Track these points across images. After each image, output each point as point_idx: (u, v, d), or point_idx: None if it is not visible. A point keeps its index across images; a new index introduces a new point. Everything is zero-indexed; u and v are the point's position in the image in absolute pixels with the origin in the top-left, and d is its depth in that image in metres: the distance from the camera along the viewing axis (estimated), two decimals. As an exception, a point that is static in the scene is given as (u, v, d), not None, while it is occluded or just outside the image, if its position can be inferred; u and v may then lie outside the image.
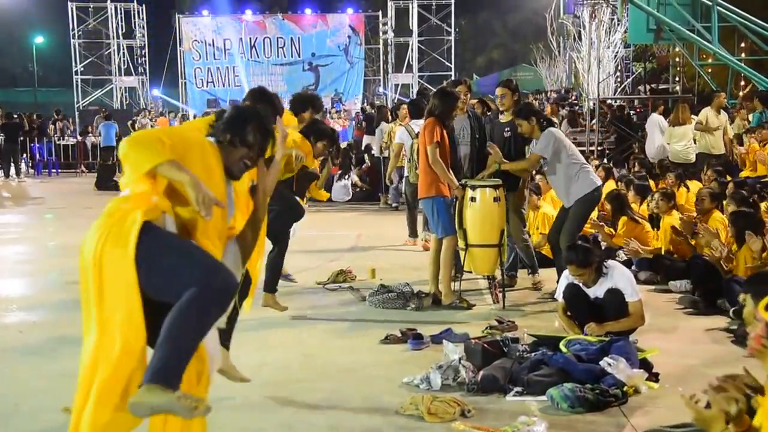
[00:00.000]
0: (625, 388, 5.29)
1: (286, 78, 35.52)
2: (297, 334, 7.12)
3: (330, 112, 30.92)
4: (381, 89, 37.17)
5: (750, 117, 14.87)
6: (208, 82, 35.81)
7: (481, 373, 5.54)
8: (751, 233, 7.53)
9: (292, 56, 35.73)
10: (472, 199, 7.92)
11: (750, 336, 3.29)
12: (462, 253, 8.13)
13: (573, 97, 25.80)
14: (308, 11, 35.89)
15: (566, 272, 6.63)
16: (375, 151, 17.71)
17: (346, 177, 17.89)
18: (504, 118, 8.85)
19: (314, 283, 9.24)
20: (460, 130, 8.76)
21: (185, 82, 36.02)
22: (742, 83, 19.58)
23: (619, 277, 6.41)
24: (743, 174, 12.39)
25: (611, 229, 10.13)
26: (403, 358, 6.36)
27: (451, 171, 8.12)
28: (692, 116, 14.68)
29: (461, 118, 8.79)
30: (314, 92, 8.14)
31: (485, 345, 5.88)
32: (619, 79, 26.31)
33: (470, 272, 8.39)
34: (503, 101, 8.82)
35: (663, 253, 9.36)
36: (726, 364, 6.01)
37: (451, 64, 34.94)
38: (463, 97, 8.74)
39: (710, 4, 17.69)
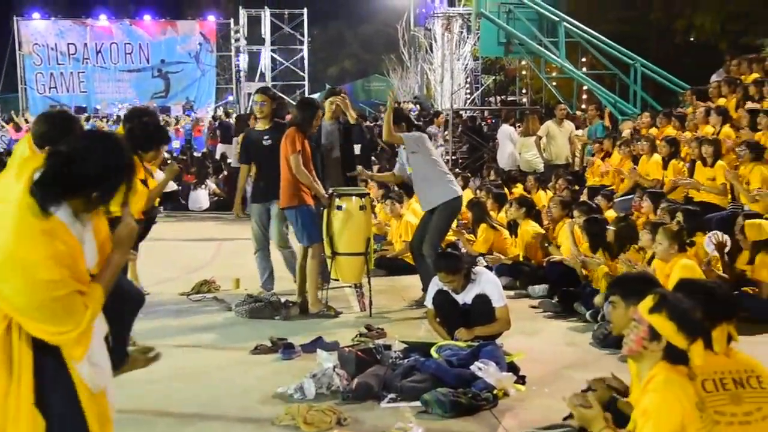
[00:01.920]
0: (495, 392, 5.43)
1: (134, 85, 34.54)
2: (164, 347, 6.91)
3: (181, 120, 30.31)
4: (231, 97, 36.71)
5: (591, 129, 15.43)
6: (50, 88, 34.38)
7: (356, 380, 5.57)
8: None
9: (140, 63, 34.77)
10: (339, 207, 7.96)
11: (629, 338, 3.42)
12: (329, 262, 8.15)
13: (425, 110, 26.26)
14: (148, 17, 35.02)
15: (435, 279, 6.75)
16: (231, 161, 17.49)
17: (203, 186, 17.61)
18: (261, 125, 8.77)
19: (177, 295, 9.03)
20: (329, 136, 8.78)
21: (25, 88, 34.46)
22: (584, 96, 20.42)
23: (486, 283, 6.57)
24: (589, 183, 12.91)
25: (472, 236, 10.38)
26: (274, 368, 6.31)
27: (317, 179, 8.14)
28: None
29: (331, 125, 8.81)
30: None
31: (359, 353, 5.91)
32: (468, 91, 26.96)
33: (337, 280, 8.41)
34: (263, 108, 8.70)
35: (521, 259, 9.66)
36: (586, 365, 6.28)
37: (304, 73, 34.91)
38: (331, 106, 8.76)
39: (557, 20, 18.42)
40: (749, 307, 7.38)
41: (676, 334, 3.28)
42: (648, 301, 3.38)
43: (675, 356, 3.29)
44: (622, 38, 19.59)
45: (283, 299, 8.20)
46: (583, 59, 20.60)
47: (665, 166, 11.13)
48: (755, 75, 12.75)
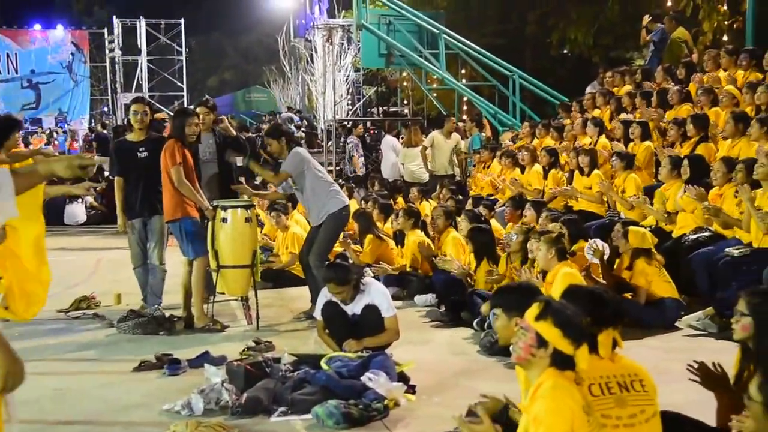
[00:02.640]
0: (386, 402, 5.40)
1: (2, 95, 33.25)
2: (44, 366, 6.65)
3: (55, 132, 29.33)
4: (107, 108, 35.76)
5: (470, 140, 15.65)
6: None
7: (245, 395, 5.46)
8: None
9: (8, 73, 33.51)
10: (224, 219, 7.82)
11: (517, 345, 3.46)
12: (214, 275, 8.00)
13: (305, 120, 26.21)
14: (16, 26, 33.84)
15: (324, 290, 6.70)
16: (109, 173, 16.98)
17: (79, 200, 17.05)
18: (135, 136, 8.45)
19: (55, 312, 8.68)
20: (205, 149, 8.63)
21: None
22: (465, 107, 20.76)
23: (375, 293, 6.57)
24: (473, 193, 13.11)
25: (358, 247, 10.38)
26: (160, 384, 6.14)
27: (200, 191, 7.99)
28: (423, 137, 15.37)
29: (207, 137, 8.66)
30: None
31: (247, 367, 5.79)
32: (350, 102, 27.06)
33: (223, 294, 8.27)
34: (143, 119, 8.39)
35: (408, 269, 9.70)
36: (475, 373, 6.34)
37: (182, 84, 34.33)
38: (203, 116, 8.61)
39: (437, 32, 18.68)
40: (629, 313, 7.64)
41: (561, 340, 3.32)
42: (534, 309, 3.44)
43: (562, 362, 3.33)
44: (500, 51, 20.00)
45: (167, 314, 8.00)
46: (463, 71, 20.93)
47: (545, 176, 11.42)
48: (628, 87, 13.21)
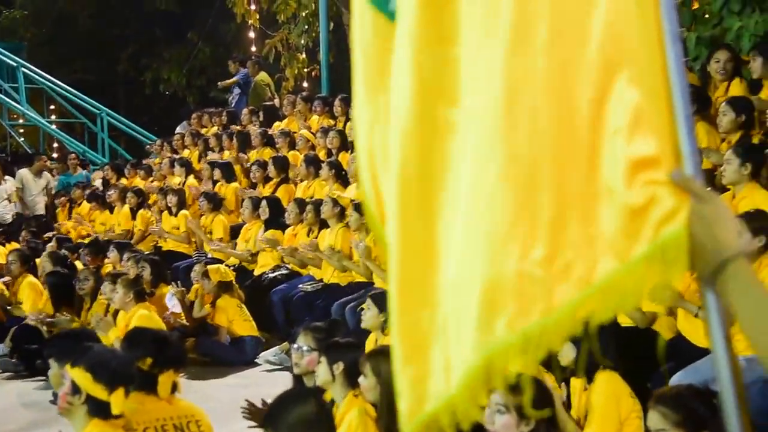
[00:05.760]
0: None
1: None
2: None
3: None
4: None
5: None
6: None
7: None
8: None
9: None
10: None
11: (59, 395, 3.37)
12: None
13: None
14: None
15: None
16: None
17: None
18: None
19: None
20: None
21: None
22: (56, 145, 19.79)
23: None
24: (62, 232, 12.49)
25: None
26: None
27: None
28: (7, 177, 14.26)
29: None
30: None
31: None
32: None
33: None
34: None
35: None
36: (44, 423, 6.00)
37: None
38: None
39: (15, 65, 17.58)
40: (210, 352, 7.76)
41: (93, 385, 3.26)
42: (75, 357, 3.36)
43: (97, 409, 3.26)
44: (92, 87, 19.46)
45: None
46: (53, 107, 19.99)
47: (134, 216, 11.25)
48: (215, 129, 13.49)
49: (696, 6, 7.92)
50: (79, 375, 3.28)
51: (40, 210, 13.95)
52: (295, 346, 4.68)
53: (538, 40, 1.47)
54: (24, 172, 13.94)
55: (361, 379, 4.00)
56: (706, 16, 7.81)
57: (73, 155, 15.39)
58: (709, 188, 1.57)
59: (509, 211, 1.42)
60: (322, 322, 5.36)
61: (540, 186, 1.43)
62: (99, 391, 3.24)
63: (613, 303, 1.38)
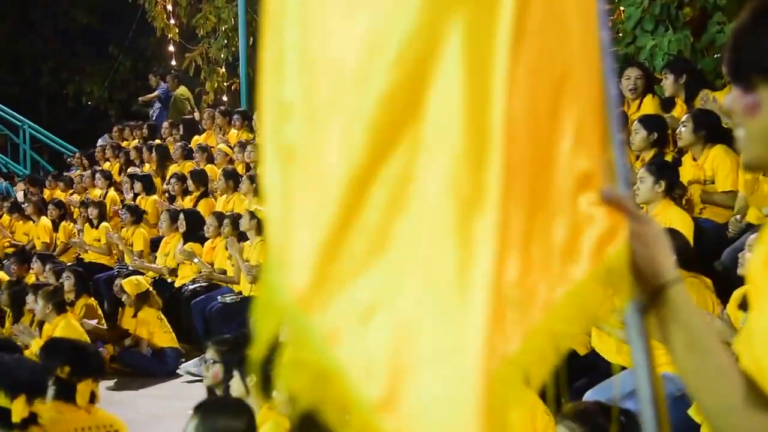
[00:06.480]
0: None
1: None
2: None
3: None
4: None
5: None
6: None
7: None
8: None
9: None
10: None
11: None
12: None
13: None
14: None
15: None
16: None
17: None
18: None
19: None
20: None
21: None
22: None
23: None
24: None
25: None
26: None
27: None
28: None
29: None
30: None
31: None
32: None
33: None
34: None
35: None
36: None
37: None
38: None
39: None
40: (132, 363, 7.94)
41: None
42: None
43: (1, 416, 3.28)
44: (14, 100, 19.34)
45: None
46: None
47: (56, 229, 11.32)
48: (135, 141, 13.61)
49: (610, 24, 8.24)
50: None
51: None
52: (205, 358, 4.72)
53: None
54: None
55: (275, 393, 4.03)
56: (620, 34, 7.95)
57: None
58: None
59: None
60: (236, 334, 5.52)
61: (511, 198, 1.26)
62: (0, 399, 3.28)
63: (571, 326, 1.29)
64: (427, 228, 1.22)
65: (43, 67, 22.60)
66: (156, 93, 14.70)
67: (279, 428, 3.93)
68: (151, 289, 8.14)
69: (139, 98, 15.60)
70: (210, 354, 4.62)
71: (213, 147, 11.40)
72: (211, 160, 11.05)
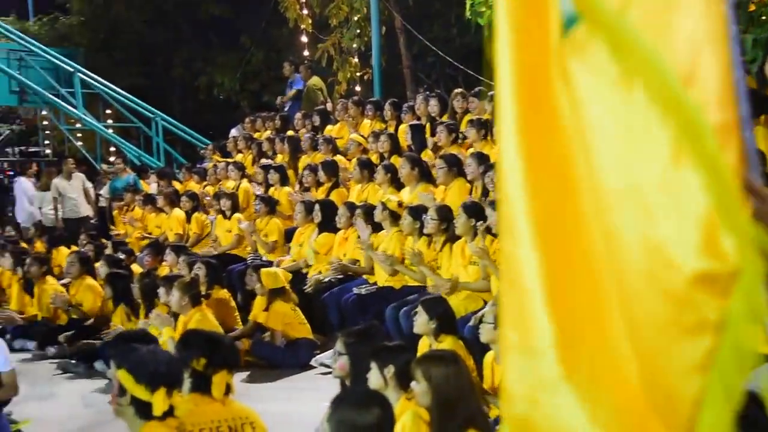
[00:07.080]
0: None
1: None
2: None
3: None
4: None
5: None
6: None
7: None
8: None
9: None
10: None
11: (111, 396, 3.44)
12: None
13: None
14: None
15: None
16: None
17: None
18: None
19: None
20: None
21: None
22: (112, 149, 20.05)
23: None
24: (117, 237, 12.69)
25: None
26: None
27: None
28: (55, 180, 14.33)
29: None
30: None
31: None
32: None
33: None
34: None
35: (40, 319, 9.19)
36: (101, 425, 6.10)
37: None
38: None
39: (72, 70, 17.92)
40: (265, 355, 7.79)
41: (135, 386, 3.30)
42: (121, 359, 3.43)
43: (142, 409, 3.30)
44: (146, 92, 19.66)
45: None
46: (109, 111, 20.27)
47: (189, 220, 11.35)
48: (268, 132, 13.58)
49: (752, 8, 7.77)
50: (123, 376, 3.33)
51: (85, 212, 14.03)
52: (335, 350, 4.74)
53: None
54: (57, 181, 13.89)
55: (413, 384, 4.02)
56: (763, 17, 7.68)
57: (118, 160, 15.38)
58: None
59: None
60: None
61: None
62: (141, 392, 3.29)
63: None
64: None
65: (174, 59, 22.97)
66: (294, 90, 14.59)
67: (417, 419, 3.96)
68: (287, 286, 7.95)
69: (278, 99, 15.44)
70: (338, 345, 4.62)
71: (338, 139, 11.25)
72: (336, 150, 10.88)
